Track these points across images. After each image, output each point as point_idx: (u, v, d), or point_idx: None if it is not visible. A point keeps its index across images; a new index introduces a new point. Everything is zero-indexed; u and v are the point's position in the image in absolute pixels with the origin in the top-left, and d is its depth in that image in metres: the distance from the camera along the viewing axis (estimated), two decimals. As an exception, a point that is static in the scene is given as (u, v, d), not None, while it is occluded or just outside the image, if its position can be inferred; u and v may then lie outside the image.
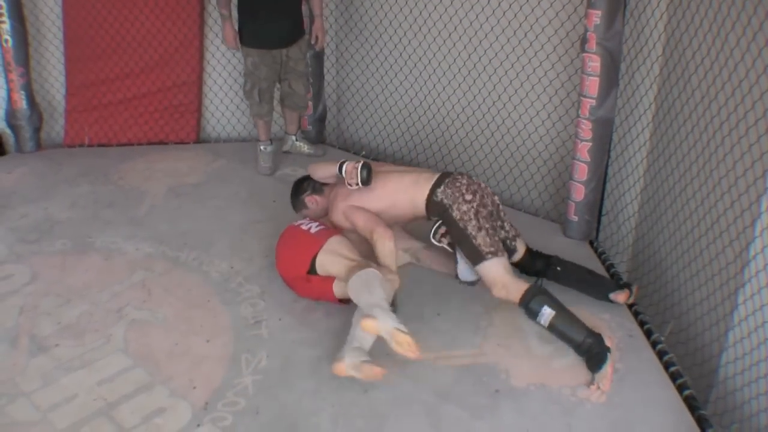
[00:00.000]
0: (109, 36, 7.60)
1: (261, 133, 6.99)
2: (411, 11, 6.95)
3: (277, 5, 6.46)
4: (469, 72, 6.68)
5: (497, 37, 6.35)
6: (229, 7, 6.52)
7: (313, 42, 6.89)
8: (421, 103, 7.18)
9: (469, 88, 6.74)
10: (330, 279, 4.76)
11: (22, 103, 7.25)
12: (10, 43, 7.03)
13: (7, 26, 6.97)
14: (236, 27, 6.63)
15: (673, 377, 4.31)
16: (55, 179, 6.81)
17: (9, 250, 5.60)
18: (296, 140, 7.35)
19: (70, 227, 5.94)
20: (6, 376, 4.26)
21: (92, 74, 7.66)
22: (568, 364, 4.38)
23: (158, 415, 3.97)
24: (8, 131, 7.53)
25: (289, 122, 7.28)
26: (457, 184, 4.79)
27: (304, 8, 6.75)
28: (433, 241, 4.90)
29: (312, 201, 5.35)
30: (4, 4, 6.92)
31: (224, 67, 7.79)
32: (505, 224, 4.94)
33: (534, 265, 5.06)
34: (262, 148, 6.98)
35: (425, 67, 7.05)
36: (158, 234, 5.81)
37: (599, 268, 5.39)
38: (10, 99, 7.28)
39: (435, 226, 4.86)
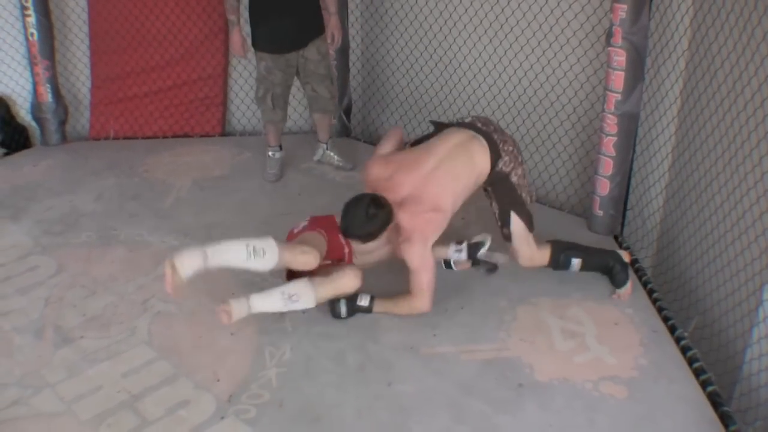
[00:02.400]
0: (134, 29, 7.64)
1: (270, 138, 6.79)
2: (437, 4, 6.95)
3: (289, 6, 6.20)
4: (495, 65, 6.66)
5: (522, 31, 6.34)
6: (238, 13, 6.28)
7: (330, 41, 6.63)
8: (446, 96, 7.16)
9: (495, 81, 6.72)
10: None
11: (47, 96, 7.30)
12: (35, 37, 7.09)
13: (32, 20, 7.03)
14: (246, 32, 6.44)
15: (697, 373, 4.29)
16: (81, 172, 6.86)
17: (35, 242, 5.64)
18: (327, 149, 7.05)
19: (95, 219, 5.98)
20: (31, 368, 4.29)
21: (117, 67, 7.71)
22: (590, 358, 4.38)
23: (182, 408, 3.99)
24: (34, 124, 7.58)
25: (320, 128, 7.01)
26: (509, 148, 4.80)
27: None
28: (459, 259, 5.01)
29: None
30: (30, -2, 6.97)
31: (249, 60, 7.77)
32: None
33: None
34: (270, 154, 6.82)
35: (450, 61, 7.04)
36: (183, 226, 5.83)
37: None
38: (35, 92, 7.33)
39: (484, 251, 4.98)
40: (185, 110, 7.81)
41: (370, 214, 4.40)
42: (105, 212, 6.11)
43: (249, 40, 6.43)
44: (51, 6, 7.24)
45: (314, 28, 6.42)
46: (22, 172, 6.89)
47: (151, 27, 7.65)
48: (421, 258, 4.50)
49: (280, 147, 6.83)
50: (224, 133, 7.92)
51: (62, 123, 7.50)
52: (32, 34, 7.07)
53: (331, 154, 7.04)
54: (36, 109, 7.38)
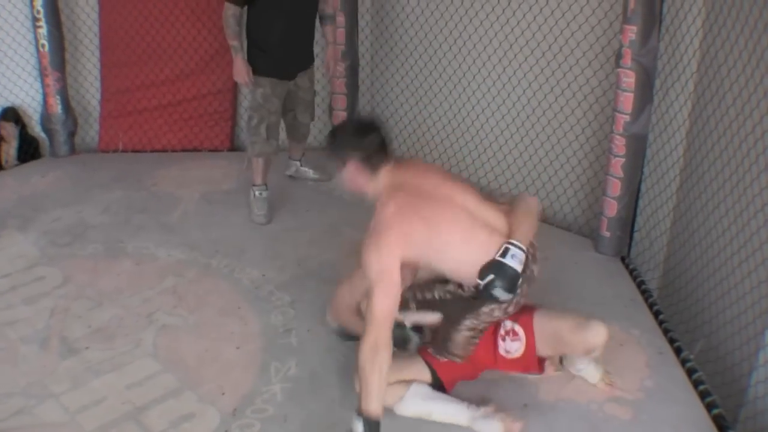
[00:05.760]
0: (145, 43, 7.66)
1: (258, 174, 6.28)
2: (446, 23, 6.94)
3: (293, 31, 6.03)
4: (504, 85, 6.67)
5: (532, 51, 6.35)
6: (240, 39, 5.97)
7: (325, 70, 6.63)
8: (455, 115, 7.16)
9: (504, 101, 6.72)
10: None
11: (57, 107, 7.31)
12: (46, 48, 7.10)
13: (44, 31, 7.04)
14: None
15: (702, 395, 4.28)
16: (89, 184, 6.87)
17: (41, 252, 5.65)
18: (301, 165, 6.98)
19: (102, 231, 5.99)
20: (36, 378, 4.30)
21: (128, 80, 7.73)
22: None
23: (186, 421, 4.00)
24: (43, 135, 7.60)
25: (294, 149, 6.95)
26: None
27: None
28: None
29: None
30: (41, 9, 6.98)
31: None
32: None
33: None
34: (257, 193, 6.29)
35: (460, 80, 7.04)
36: (190, 240, 5.84)
37: (630, 285, 5.39)
38: (45, 103, 7.34)
39: None
40: (194, 124, 7.82)
41: None
42: (112, 224, 6.11)
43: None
44: (62, 18, 7.27)
45: (311, 56, 6.35)
46: (30, 182, 6.89)
47: (162, 41, 7.67)
48: None
49: (266, 185, 6.32)
50: (233, 148, 7.92)
51: (71, 134, 7.51)
52: (43, 45, 7.09)
53: (305, 169, 7.03)
54: (46, 120, 7.39)
